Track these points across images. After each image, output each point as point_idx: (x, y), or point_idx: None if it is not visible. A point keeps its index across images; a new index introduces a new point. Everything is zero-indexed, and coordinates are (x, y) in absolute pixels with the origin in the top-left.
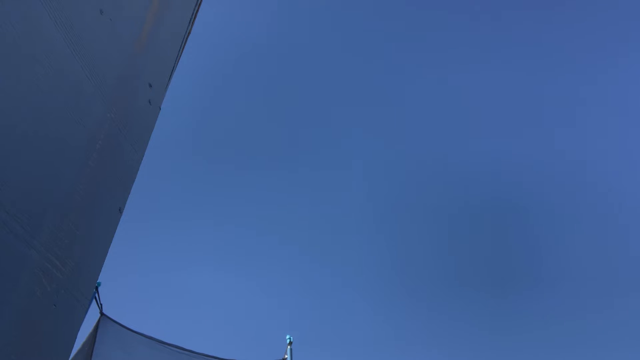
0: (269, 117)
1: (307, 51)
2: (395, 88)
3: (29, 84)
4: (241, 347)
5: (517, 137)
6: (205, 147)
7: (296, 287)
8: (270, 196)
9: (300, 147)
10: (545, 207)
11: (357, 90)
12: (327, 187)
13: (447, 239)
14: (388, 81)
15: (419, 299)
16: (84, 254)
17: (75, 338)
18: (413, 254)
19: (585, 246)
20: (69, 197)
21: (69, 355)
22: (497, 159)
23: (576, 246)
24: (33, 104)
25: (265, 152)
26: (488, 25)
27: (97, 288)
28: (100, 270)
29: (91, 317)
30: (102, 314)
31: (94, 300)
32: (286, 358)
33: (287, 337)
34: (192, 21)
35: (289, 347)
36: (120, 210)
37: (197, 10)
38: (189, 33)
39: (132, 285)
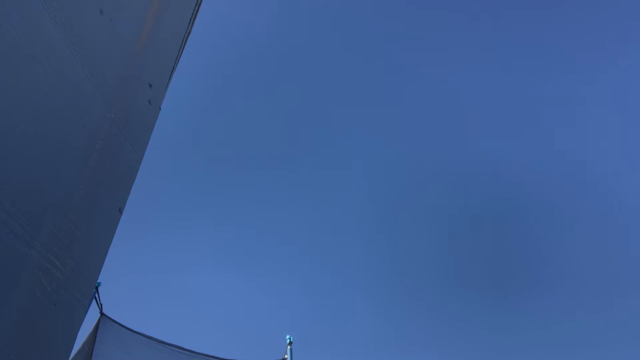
0: (269, 117)
1: (307, 51)
2: (395, 88)
3: (29, 84)
4: (241, 347)
5: (517, 137)
6: (205, 147)
7: (296, 287)
8: (270, 196)
9: (300, 147)
10: (545, 207)
11: (357, 90)
12: (327, 187)
13: (447, 239)
14: (388, 81)
15: (419, 299)
16: (84, 254)
17: (75, 338)
18: (413, 254)
19: (585, 246)
20: (69, 197)
21: (69, 355)
22: (497, 159)
23: (576, 246)
24: (33, 104)
25: (265, 152)
26: (488, 25)
27: (97, 288)
28: (100, 270)
29: (91, 317)
30: (102, 314)
31: (94, 300)
32: (286, 358)
33: (287, 337)
34: (192, 21)
35: (289, 347)
36: (120, 210)
37: (197, 10)
38: (189, 33)
39: (132, 285)
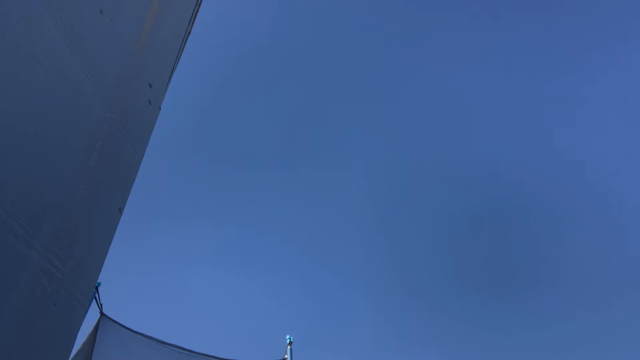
0: (269, 117)
1: (307, 51)
2: (395, 88)
3: (29, 84)
4: (241, 347)
5: (517, 137)
6: (205, 147)
7: (296, 287)
8: (270, 196)
9: (300, 147)
10: (545, 207)
11: (357, 90)
12: (327, 187)
13: (447, 239)
14: (388, 81)
15: (419, 299)
16: (84, 254)
17: (75, 338)
18: (413, 254)
19: (585, 246)
20: (69, 197)
21: (69, 355)
22: (497, 159)
23: (576, 246)
24: (33, 104)
25: (265, 152)
26: (488, 25)
27: (97, 288)
28: (100, 270)
29: (91, 317)
30: (102, 314)
31: (94, 300)
32: (286, 358)
33: (287, 337)
34: (192, 21)
35: (289, 347)
36: (120, 210)
37: (197, 10)
38: (189, 33)
39: (132, 285)
